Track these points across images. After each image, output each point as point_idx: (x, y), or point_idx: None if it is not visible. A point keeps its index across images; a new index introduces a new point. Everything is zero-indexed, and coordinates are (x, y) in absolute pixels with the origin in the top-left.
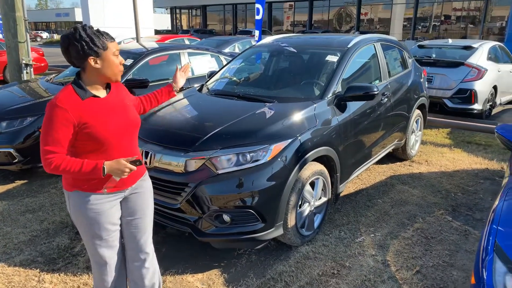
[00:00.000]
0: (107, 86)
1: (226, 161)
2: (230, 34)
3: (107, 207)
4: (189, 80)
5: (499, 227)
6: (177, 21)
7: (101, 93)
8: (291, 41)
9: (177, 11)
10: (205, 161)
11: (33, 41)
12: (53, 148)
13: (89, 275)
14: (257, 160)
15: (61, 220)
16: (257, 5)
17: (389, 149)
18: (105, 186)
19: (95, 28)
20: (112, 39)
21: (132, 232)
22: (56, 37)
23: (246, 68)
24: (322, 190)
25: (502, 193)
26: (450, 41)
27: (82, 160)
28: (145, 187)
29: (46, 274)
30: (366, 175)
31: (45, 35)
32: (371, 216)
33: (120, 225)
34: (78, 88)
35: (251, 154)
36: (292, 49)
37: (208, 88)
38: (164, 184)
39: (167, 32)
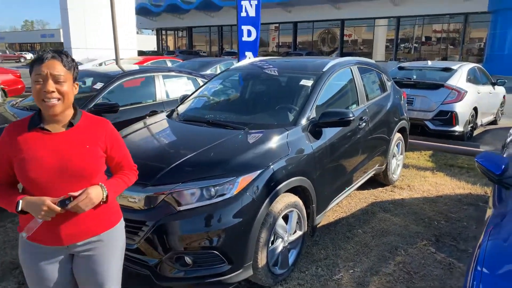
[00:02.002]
0: (71, 122)
1: (188, 196)
2: (216, 55)
3: (43, 262)
4: (163, 104)
5: (483, 270)
6: (163, 42)
7: (56, 127)
8: (267, 64)
9: (163, 32)
10: (165, 196)
11: (16, 62)
12: None
13: None
14: (222, 195)
15: (11, 261)
16: (249, 27)
17: (370, 174)
18: (25, 228)
19: (52, 49)
20: (43, 60)
21: None
22: None
23: (220, 92)
24: (297, 223)
25: (486, 229)
26: (429, 62)
27: (5, 189)
28: (100, 249)
29: None
30: (347, 202)
31: (29, 56)
32: (351, 248)
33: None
34: (35, 116)
35: (216, 188)
36: (267, 73)
37: (177, 113)
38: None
39: (152, 53)
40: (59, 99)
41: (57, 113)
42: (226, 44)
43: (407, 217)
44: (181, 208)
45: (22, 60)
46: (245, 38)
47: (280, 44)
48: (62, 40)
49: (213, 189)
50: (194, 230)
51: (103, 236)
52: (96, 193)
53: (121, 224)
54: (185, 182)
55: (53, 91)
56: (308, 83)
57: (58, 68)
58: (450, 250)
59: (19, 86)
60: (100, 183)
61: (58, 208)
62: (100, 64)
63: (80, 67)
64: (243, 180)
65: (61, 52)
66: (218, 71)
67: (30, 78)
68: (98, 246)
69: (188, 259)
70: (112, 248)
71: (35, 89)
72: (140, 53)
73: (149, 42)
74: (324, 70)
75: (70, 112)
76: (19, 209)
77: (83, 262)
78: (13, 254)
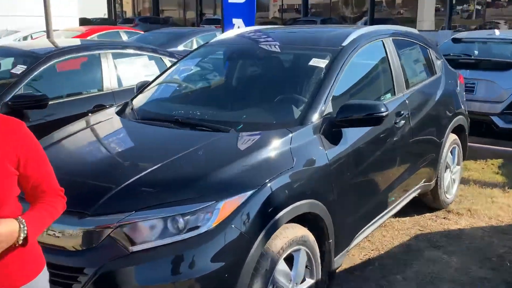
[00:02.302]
0: None
1: (145, 231)
2: (193, 25)
3: None
4: (113, 95)
5: None
6: (117, 5)
7: None
8: (263, 37)
9: None
10: (112, 231)
11: None
12: None
13: None
14: (196, 228)
15: None
16: None
17: (412, 194)
18: None
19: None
20: None
21: None
22: None
23: (195, 77)
24: (306, 267)
25: None
26: (497, 32)
27: None
28: None
29: None
30: (380, 234)
31: None
32: None
33: None
34: None
35: (186, 218)
36: (263, 49)
37: (132, 109)
38: (49, 270)
39: (101, 21)
40: None
41: None
42: (207, 9)
43: (467, 256)
44: (136, 249)
45: None
46: None
47: (285, 8)
48: None
49: (182, 220)
50: (155, 281)
51: None
52: (8, 231)
53: (44, 274)
54: (142, 210)
55: None
56: (321, 63)
57: None
58: None
59: None
60: (18, 217)
61: None
62: (25, 38)
63: None
64: (227, 206)
65: None
66: (195, 47)
67: None
68: None
69: None
70: None
71: None
72: (84, 21)
73: (97, 6)
74: (344, 44)
75: None
76: None
77: None
78: None
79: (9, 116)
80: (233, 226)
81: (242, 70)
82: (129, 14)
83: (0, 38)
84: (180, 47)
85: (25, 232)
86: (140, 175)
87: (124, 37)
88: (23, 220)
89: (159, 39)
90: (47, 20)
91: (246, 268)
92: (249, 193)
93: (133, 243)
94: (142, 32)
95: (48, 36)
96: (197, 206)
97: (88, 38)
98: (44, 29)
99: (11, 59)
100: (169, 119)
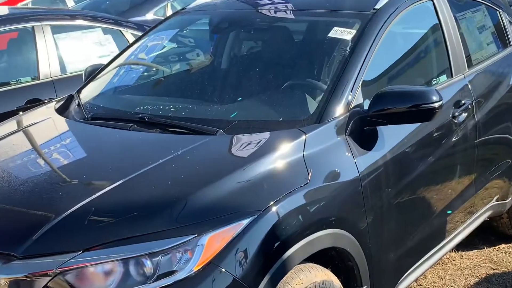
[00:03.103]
0: None
1: (97, 279)
2: None
3: None
4: (53, 84)
5: None
6: None
7: None
8: None
9: None
10: (49, 280)
11: None
12: None
13: None
14: (170, 273)
15: None
16: None
17: (481, 217)
18: None
19: None
20: None
21: None
22: None
23: (168, 57)
24: None
25: None
26: None
27: None
28: None
29: None
30: (436, 276)
31: None
32: None
33: None
34: None
35: (155, 259)
36: (264, 15)
37: (80, 105)
38: None
39: None
40: None
41: None
42: None
43: None
44: None
45: None
46: None
47: None
48: None
49: (149, 262)
50: None
51: None
52: None
53: None
54: (92, 249)
55: None
56: (346, 34)
57: None
58: None
59: None
60: None
61: None
62: None
63: None
64: (214, 241)
65: None
66: (169, 14)
67: None
68: None
69: None
70: None
71: None
72: None
73: None
74: (378, 7)
75: None
76: None
77: None
78: None
79: None
80: (223, 270)
81: (234, 47)
82: None
83: None
84: (149, 15)
85: None
86: (90, 199)
87: (70, 3)
88: None
89: (118, 5)
90: None
91: None
92: (246, 221)
93: None
94: None
95: None
96: (172, 243)
97: (19, 5)
98: None
99: None
100: (132, 118)
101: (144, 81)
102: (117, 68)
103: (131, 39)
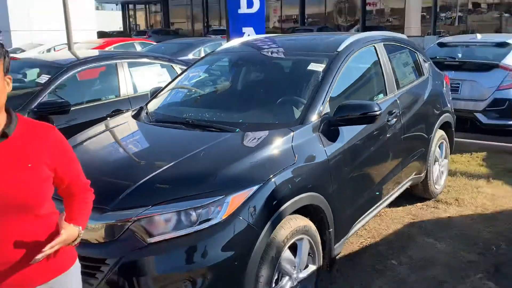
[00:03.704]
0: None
1: (161, 224)
2: (201, 35)
3: None
4: (129, 101)
5: None
6: (131, 19)
7: None
8: (264, 44)
9: (131, 6)
10: (130, 224)
11: None
12: None
13: None
14: (207, 220)
15: None
16: None
17: (405, 186)
18: None
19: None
20: None
21: None
22: None
23: (203, 82)
24: (308, 254)
25: None
26: (479, 36)
27: None
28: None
29: None
30: (375, 223)
31: None
32: (383, 286)
33: None
34: None
35: (198, 211)
36: (265, 55)
37: (147, 113)
38: None
39: (117, 34)
40: None
41: None
42: (213, 20)
43: (456, 242)
44: (152, 240)
45: None
46: (243, 10)
47: (284, 18)
48: None
49: (194, 213)
50: (171, 270)
51: (53, 283)
52: (71, 235)
53: (76, 266)
54: (158, 205)
55: None
56: (318, 67)
57: None
58: None
59: None
60: (78, 227)
61: None
62: (49, 51)
63: (22, 55)
64: (235, 200)
65: None
66: (203, 55)
67: None
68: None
69: None
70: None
71: None
72: (101, 34)
73: (113, 20)
74: (339, 50)
75: (2, 118)
76: None
77: None
78: None
79: (42, 122)
80: (241, 218)
81: (246, 75)
82: (142, 27)
83: (25, 51)
84: (190, 56)
85: (81, 235)
86: (156, 172)
87: (138, 48)
88: (80, 227)
89: (171, 49)
90: (68, 34)
91: (254, 257)
92: (255, 187)
93: (150, 235)
94: (155, 43)
95: (69, 48)
96: (208, 200)
97: (106, 49)
98: (64, 42)
99: (36, 70)
100: (181, 121)
101: (188, 98)
102: (170, 90)
103: (178, 71)
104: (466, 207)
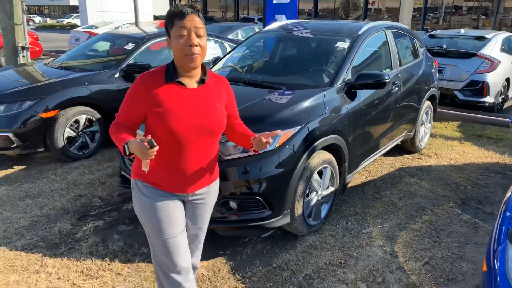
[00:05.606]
0: (202, 79)
1: (232, 148)
2: (232, 21)
3: (165, 201)
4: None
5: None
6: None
7: (190, 83)
8: (298, 27)
9: None
10: None
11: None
12: (117, 115)
13: (92, 260)
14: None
15: (62, 206)
16: None
17: (397, 140)
18: (143, 166)
19: (185, 4)
20: (184, 14)
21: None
22: (50, 21)
23: (252, 55)
24: (330, 179)
25: None
26: (462, 31)
27: (122, 132)
28: (208, 199)
29: (49, 258)
30: (374, 166)
31: (37, 19)
32: (379, 207)
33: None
34: (170, 69)
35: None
36: (302, 35)
37: None
38: None
39: None
40: (199, 53)
41: (198, 66)
42: (241, 10)
43: (433, 182)
44: (227, 158)
45: (30, 23)
46: (276, 1)
47: (300, 11)
48: (71, 3)
49: None
50: (239, 178)
51: (211, 186)
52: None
53: (218, 175)
54: None
55: (196, 45)
56: (344, 45)
57: (198, 22)
58: (475, 212)
59: (37, 49)
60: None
61: (149, 150)
62: (117, 28)
63: (96, 30)
64: (284, 134)
65: (193, 7)
66: (240, 37)
67: (170, 32)
68: (207, 196)
69: (233, 204)
70: (214, 197)
71: (179, 44)
72: (155, 18)
73: (162, 7)
74: (360, 33)
75: (199, 71)
76: (127, 153)
77: (194, 209)
78: (62, 201)
79: (219, 75)
80: (288, 147)
81: (286, 50)
82: None
83: (98, 28)
84: (230, 36)
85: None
86: None
87: None
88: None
89: (214, 31)
90: (136, 14)
91: (295, 174)
92: (298, 127)
93: (224, 154)
94: None
95: (137, 26)
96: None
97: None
98: (129, 21)
99: (121, 40)
100: (240, 80)
101: (242, 66)
102: (227, 60)
103: (227, 47)
104: (442, 159)
